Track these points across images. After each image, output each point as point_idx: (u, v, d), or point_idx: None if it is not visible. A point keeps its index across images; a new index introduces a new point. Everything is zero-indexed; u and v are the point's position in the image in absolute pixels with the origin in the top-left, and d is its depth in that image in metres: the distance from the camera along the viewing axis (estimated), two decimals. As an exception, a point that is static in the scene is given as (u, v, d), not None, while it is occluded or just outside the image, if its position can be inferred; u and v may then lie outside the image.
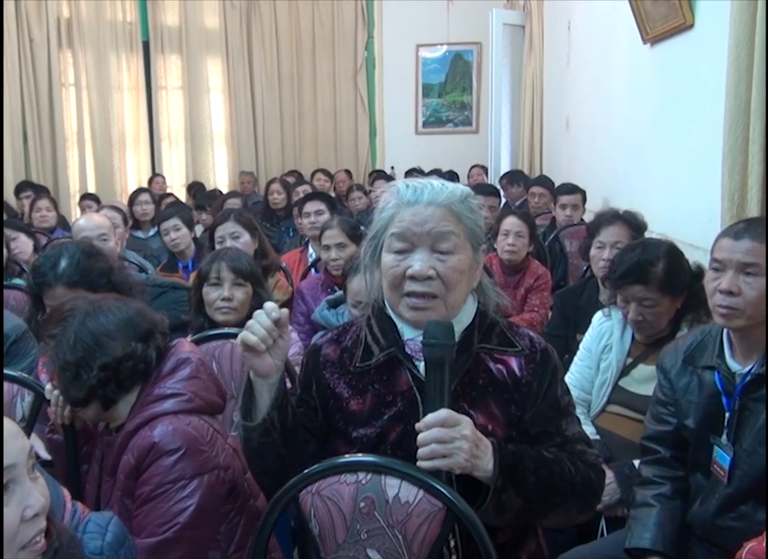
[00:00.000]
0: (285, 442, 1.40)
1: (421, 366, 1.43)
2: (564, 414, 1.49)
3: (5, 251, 3.50)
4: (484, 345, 1.47)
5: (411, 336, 1.46)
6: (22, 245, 4.01)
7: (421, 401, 1.41)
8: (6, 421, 1.07)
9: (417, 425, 1.30)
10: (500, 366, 1.46)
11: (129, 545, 1.33)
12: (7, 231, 3.91)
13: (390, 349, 1.45)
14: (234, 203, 5.31)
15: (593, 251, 2.97)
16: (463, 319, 1.46)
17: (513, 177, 6.33)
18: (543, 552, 1.56)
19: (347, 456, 1.41)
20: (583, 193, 4.68)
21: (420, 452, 1.29)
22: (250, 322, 1.35)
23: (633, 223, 2.96)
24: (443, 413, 1.29)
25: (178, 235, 4.05)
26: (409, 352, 1.45)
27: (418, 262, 1.39)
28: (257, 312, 1.36)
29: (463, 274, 1.42)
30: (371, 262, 1.49)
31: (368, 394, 1.46)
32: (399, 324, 1.47)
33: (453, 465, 1.29)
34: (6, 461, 1.02)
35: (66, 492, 1.34)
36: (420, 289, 1.39)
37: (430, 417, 1.29)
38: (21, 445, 1.06)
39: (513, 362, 1.47)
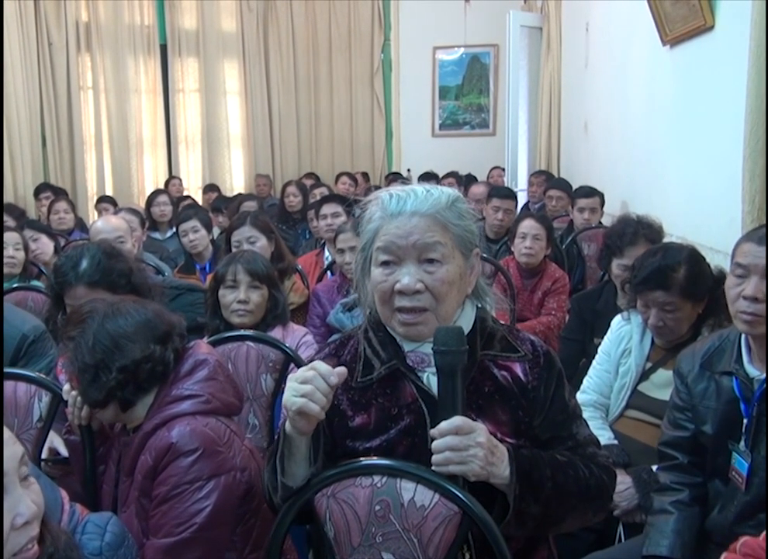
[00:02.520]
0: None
1: (425, 377, 1.42)
2: (573, 417, 1.47)
3: (23, 253, 3.54)
4: (487, 351, 1.45)
5: (412, 348, 1.44)
6: (43, 246, 4.06)
7: (428, 412, 1.39)
8: None
9: (432, 432, 1.29)
10: (505, 373, 1.44)
11: (129, 544, 1.33)
12: (29, 232, 3.96)
13: (392, 362, 1.43)
14: (250, 205, 5.34)
15: (617, 271, 2.88)
16: (463, 327, 1.43)
17: (545, 177, 6.27)
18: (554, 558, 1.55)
19: (362, 459, 1.40)
20: (602, 196, 4.65)
21: (434, 459, 1.27)
22: (307, 389, 1.25)
23: (652, 236, 2.89)
24: (457, 420, 1.27)
25: (197, 237, 4.08)
26: (410, 363, 1.43)
27: (406, 277, 1.36)
28: (311, 375, 1.26)
29: (453, 285, 1.39)
30: (362, 275, 1.47)
31: (372, 409, 1.43)
32: (398, 337, 1.45)
33: (468, 472, 1.27)
34: None
35: (64, 494, 1.34)
36: (410, 305, 1.37)
37: (444, 424, 1.27)
38: (12, 452, 1.06)
39: (518, 368, 1.45)
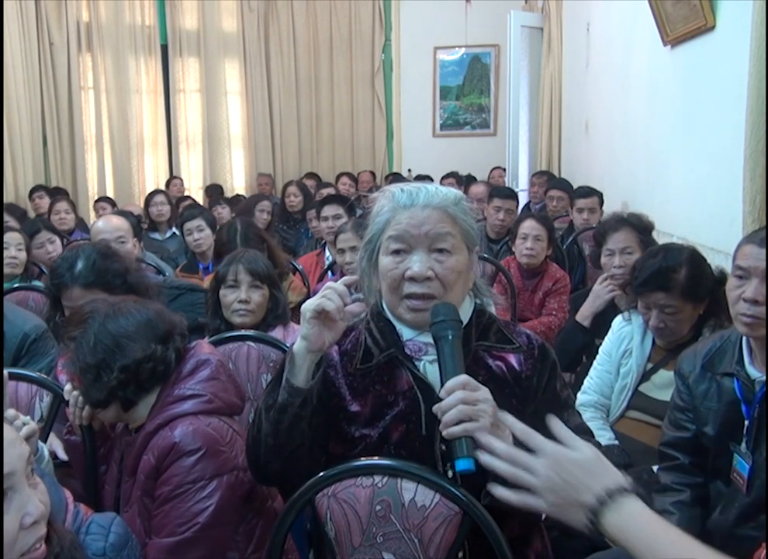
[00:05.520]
0: (310, 421, 1.40)
1: (421, 365, 1.46)
2: (564, 407, 1.50)
3: (25, 253, 3.55)
4: (482, 342, 1.49)
5: (410, 336, 1.47)
6: (58, 249, 4.08)
7: (422, 399, 1.42)
8: (5, 428, 1.06)
9: (441, 393, 1.26)
10: (499, 363, 1.48)
11: (132, 545, 1.33)
12: (46, 235, 4.05)
13: (390, 350, 1.47)
14: (265, 205, 5.25)
15: (603, 259, 2.94)
16: (461, 318, 1.46)
17: (546, 178, 6.27)
18: (548, 551, 1.55)
19: (363, 459, 1.41)
20: (600, 196, 4.64)
21: (447, 416, 1.23)
22: (325, 292, 1.37)
23: (639, 226, 2.92)
24: (463, 377, 1.27)
25: (201, 236, 4.10)
26: (408, 352, 1.47)
27: (417, 264, 1.40)
28: (331, 282, 1.39)
29: (461, 274, 1.44)
30: (368, 266, 1.51)
31: (369, 395, 1.47)
32: (398, 326, 1.49)
33: (480, 428, 1.22)
34: (4, 469, 1.02)
35: (68, 494, 1.34)
36: (420, 291, 1.41)
37: (450, 382, 1.26)
38: (19, 452, 1.06)
39: (512, 359, 1.49)
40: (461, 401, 1.24)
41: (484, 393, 1.28)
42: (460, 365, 1.30)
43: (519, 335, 1.53)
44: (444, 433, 1.25)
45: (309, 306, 1.37)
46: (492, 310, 1.62)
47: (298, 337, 1.40)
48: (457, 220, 1.44)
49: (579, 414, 1.55)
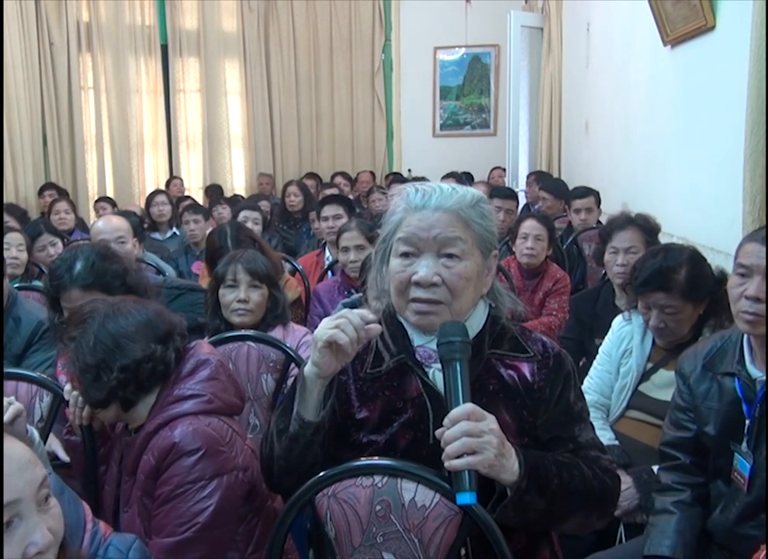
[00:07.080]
0: (323, 441, 1.39)
1: (431, 372, 1.43)
2: (577, 420, 1.47)
3: (25, 254, 3.56)
4: (495, 350, 1.45)
5: (421, 343, 1.45)
6: (60, 251, 4.08)
7: (431, 407, 1.40)
8: (18, 449, 1.02)
9: (444, 422, 1.25)
10: (511, 372, 1.44)
11: None
12: (49, 237, 4.06)
13: (400, 356, 1.44)
14: (265, 205, 5.39)
15: (607, 257, 2.95)
16: (473, 325, 1.44)
17: (539, 178, 6.29)
18: None
19: (363, 459, 1.40)
20: (596, 195, 4.64)
21: (450, 448, 1.22)
22: (340, 321, 1.31)
23: (646, 227, 2.93)
24: (469, 406, 1.25)
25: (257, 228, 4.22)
26: (419, 358, 1.44)
27: (423, 269, 1.37)
28: (347, 311, 1.34)
29: (470, 281, 1.40)
30: (381, 265, 1.48)
31: (378, 401, 1.44)
32: (410, 331, 1.46)
33: (484, 462, 1.22)
34: (9, 497, 0.98)
35: (88, 510, 1.30)
36: (425, 296, 1.38)
37: (455, 411, 1.24)
38: (30, 477, 1.01)
39: (525, 368, 1.45)
40: (465, 433, 1.22)
41: (490, 422, 1.25)
42: (466, 392, 1.27)
43: (534, 343, 1.49)
44: (446, 465, 1.23)
45: (321, 335, 1.32)
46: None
47: (308, 361, 1.36)
48: (470, 224, 1.40)
49: (593, 428, 1.51)
